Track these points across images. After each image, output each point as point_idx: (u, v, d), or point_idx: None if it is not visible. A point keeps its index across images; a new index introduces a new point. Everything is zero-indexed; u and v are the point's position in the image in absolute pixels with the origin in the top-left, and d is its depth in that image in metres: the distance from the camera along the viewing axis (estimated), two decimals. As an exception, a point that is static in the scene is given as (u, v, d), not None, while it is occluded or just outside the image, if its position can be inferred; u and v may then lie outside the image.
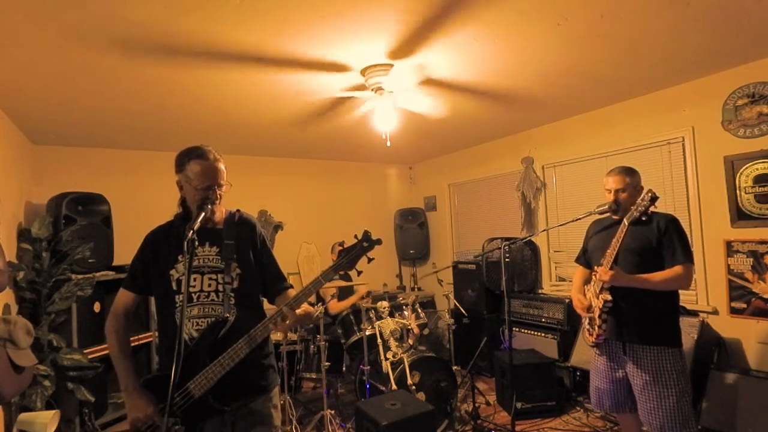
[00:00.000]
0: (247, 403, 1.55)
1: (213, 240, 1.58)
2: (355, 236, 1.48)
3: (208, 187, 1.52)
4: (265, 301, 1.72)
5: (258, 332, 1.45)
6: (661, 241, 2.08)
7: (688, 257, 2.04)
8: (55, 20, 1.89)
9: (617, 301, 2.07)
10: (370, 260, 1.47)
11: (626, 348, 2.11)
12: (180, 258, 1.54)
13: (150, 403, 1.47)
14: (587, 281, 2.35)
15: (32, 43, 2.08)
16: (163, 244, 1.59)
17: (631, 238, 2.09)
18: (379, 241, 1.47)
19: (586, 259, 2.42)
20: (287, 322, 1.45)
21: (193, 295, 1.52)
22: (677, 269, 2.02)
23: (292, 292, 1.62)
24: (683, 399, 2.00)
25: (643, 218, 1.99)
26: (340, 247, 1.50)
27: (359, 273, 1.49)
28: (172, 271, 1.54)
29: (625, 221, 2.05)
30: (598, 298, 2.12)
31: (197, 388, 1.42)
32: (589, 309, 2.22)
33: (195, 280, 1.53)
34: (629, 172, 2.21)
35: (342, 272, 1.49)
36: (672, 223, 2.10)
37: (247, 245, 1.62)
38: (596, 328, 2.15)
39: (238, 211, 1.69)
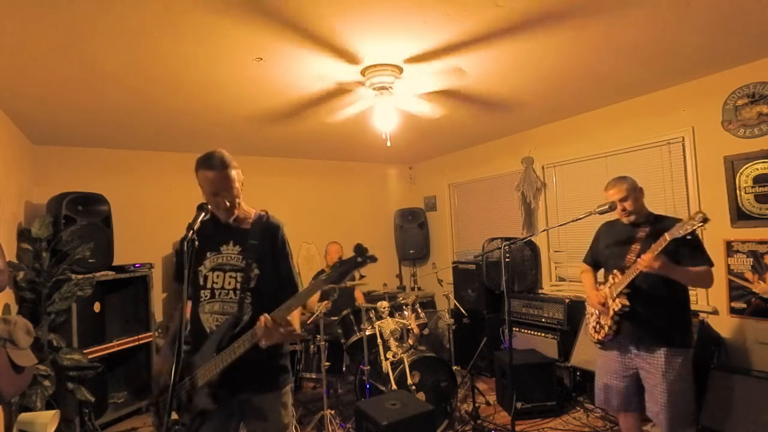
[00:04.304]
0: (251, 397, 1.60)
1: (237, 239, 1.67)
2: (355, 248, 1.41)
3: (215, 194, 1.60)
4: None
5: (256, 332, 1.47)
6: (679, 248, 2.05)
7: (708, 260, 2.10)
8: (55, 20, 1.89)
9: (635, 306, 2.11)
10: (361, 277, 1.47)
11: (639, 347, 2.15)
12: (208, 254, 1.66)
13: (166, 362, 1.66)
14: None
15: (32, 44, 2.08)
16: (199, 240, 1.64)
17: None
18: (373, 259, 1.40)
19: (595, 260, 2.46)
20: (262, 340, 1.45)
21: (215, 291, 1.64)
22: (707, 268, 2.08)
23: None
24: (688, 397, 2.07)
25: (688, 237, 1.93)
26: (338, 260, 1.48)
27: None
28: (201, 267, 1.66)
29: (667, 236, 1.96)
30: (614, 301, 2.15)
31: (200, 379, 1.52)
32: (603, 304, 2.24)
33: (218, 276, 1.65)
34: (623, 179, 2.25)
35: (330, 285, 1.49)
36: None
37: (268, 248, 1.69)
38: (606, 328, 2.20)
39: (266, 213, 1.77)
